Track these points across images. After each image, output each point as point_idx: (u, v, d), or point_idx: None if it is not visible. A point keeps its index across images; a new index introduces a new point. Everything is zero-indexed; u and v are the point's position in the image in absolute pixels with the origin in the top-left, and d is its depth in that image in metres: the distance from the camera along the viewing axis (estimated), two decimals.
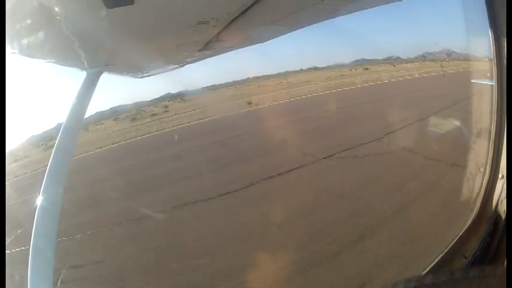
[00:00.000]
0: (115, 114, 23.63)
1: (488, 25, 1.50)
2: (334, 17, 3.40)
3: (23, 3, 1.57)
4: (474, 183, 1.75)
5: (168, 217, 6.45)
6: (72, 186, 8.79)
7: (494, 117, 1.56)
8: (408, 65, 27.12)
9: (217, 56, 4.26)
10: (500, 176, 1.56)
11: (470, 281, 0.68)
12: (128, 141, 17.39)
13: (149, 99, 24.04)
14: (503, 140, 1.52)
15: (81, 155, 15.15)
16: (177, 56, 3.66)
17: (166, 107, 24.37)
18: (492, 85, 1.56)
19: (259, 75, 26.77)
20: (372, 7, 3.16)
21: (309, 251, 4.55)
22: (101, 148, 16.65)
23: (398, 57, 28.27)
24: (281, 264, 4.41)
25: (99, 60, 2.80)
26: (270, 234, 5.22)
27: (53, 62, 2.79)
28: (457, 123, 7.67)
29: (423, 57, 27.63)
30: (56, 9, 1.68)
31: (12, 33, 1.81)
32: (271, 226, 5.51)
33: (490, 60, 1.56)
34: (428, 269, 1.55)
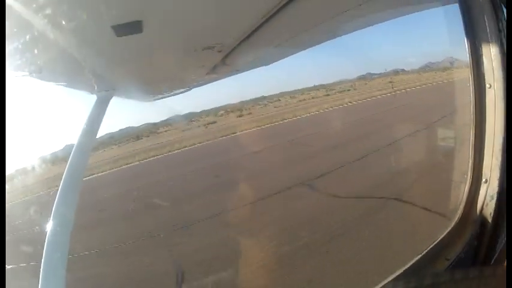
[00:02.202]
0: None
1: (464, 34, 1.57)
2: (335, 37, 3.51)
3: (36, 29, 1.66)
4: (458, 189, 1.78)
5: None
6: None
7: (473, 121, 1.61)
8: (410, 76, 27.12)
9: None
10: (483, 180, 1.60)
11: (470, 281, 0.70)
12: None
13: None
14: (484, 145, 1.57)
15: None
16: (186, 80, 3.78)
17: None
18: (469, 92, 1.61)
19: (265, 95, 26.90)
20: (372, 25, 3.22)
21: (298, 253, 4.54)
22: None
23: (403, 69, 28.20)
24: (278, 261, 4.40)
25: (109, 85, 2.91)
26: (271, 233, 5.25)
27: (64, 86, 2.91)
28: (443, 130, 7.61)
29: (427, 67, 27.49)
30: (69, 36, 1.78)
31: (25, 56, 1.92)
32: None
33: (467, 67, 1.62)
34: (407, 268, 1.56)
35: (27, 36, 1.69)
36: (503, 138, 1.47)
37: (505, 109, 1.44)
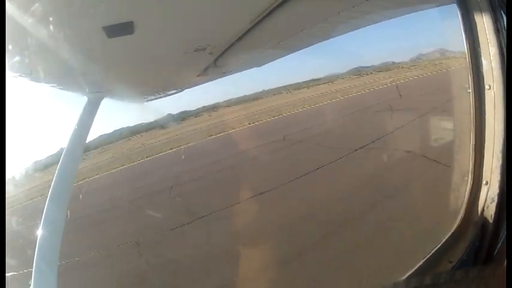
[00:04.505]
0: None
1: (463, 35, 1.55)
2: (327, 39, 3.50)
3: (27, 30, 1.62)
4: (459, 191, 1.76)
5: None
6: None
7: (473, 123, 1.59)
8: (401, 68, 27.31)
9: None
10: (484, 182, 1.59)
11: (470, 281, 0.68)
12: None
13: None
14: (484, 147, 1.56)
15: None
16: (177, 81, 3.75)
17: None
18: (469, 91, 1.59)
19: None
20: (367, 26, 3.21)
21: (298, 257, 4.51)
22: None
23: (393, 62, 28.39)
24: (278, 263, 4.38)
25: (100, 86, 2.87)
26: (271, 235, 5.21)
27: (56, 87, 2.85)
28: (443, 133, 7.60)
29: (418, 59, 27.69)
30: (60, 36, 1.75)
31: (16, 57, 1.88)
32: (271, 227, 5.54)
33: (467, 66, 1.60)
34: (412, 272, 1.54)
35: (17, 38, 1.66)
36: (504, 140, 1.46)
37: (505, 110, 1.43)
